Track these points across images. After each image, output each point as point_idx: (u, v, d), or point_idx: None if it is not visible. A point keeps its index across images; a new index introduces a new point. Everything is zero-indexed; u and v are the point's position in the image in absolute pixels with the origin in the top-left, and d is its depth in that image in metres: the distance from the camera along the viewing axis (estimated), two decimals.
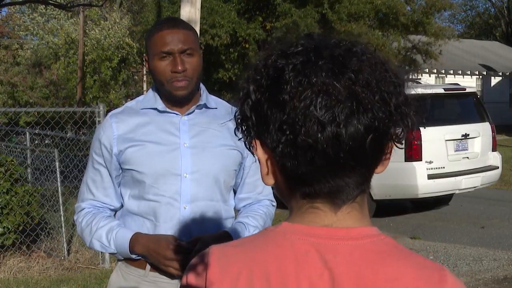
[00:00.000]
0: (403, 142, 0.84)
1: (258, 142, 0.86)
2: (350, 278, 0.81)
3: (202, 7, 15.40)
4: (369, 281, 0.81)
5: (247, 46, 18.15)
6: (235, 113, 0.89)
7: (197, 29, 7.32)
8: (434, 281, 0.82)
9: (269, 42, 0.93)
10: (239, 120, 0.88)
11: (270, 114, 0.81)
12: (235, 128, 0.92)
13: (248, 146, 0.89)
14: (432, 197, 8.05)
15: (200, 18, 8.01)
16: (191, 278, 0.90)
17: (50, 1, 16.07)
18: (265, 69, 0.84)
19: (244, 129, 0.88)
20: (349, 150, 0.79)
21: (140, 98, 2.05)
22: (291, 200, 0.87)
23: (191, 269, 0.91)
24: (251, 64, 0.88)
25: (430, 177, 7.54)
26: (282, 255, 0.83)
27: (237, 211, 2.10)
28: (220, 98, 2.12)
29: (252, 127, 0.85)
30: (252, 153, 0.90)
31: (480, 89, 26.97)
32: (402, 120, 0.82)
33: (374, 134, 0.79)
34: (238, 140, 0.93)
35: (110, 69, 24.99)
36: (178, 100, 1.95)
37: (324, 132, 0.77)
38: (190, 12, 7.42)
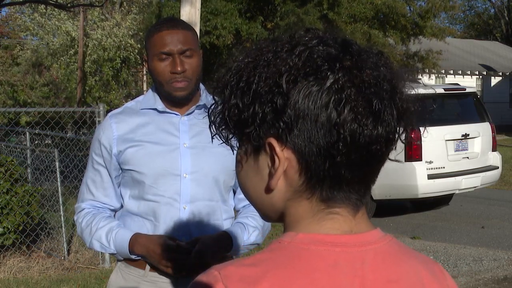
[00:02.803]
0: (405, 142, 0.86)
1: (274, 140, 0.78)
2: (381, 282, 0.81)
3: (205, 7, 15.39)
4: (396, 283, 0.82)
5: (248, 45, 18.13)
6: (234, 106, 0.80)
7: (197, 29, 7.32)
8: (437, 274, 0.89)
9: (265, 37, 0.87)
10: (248, 114, 0.79)
11: (309, 113, 0.76)
12: (211, 123, 0.85)
13: (236, 145, 0.84)
14: (432, 197, 8.05)
15: (203, 19, 8.01)
16: None
17: (50, 1, 16.07)
18: (293, 61, 0.77)
19: (253, 125, 0.79)
20: (388, 148, 0.81)
21: (140, 98, 2.05)
22: (301, 205, 0.82)
23: None
24: (256, 52, 0.82)
25: (430, 177, 7.54)
26: (312, 269, 0.79)
27: (236, 211, 2.10)
28: None
29: (283, 123, 0.77)
30: (245, 153, 0.85)
31: (480, 89, 26.95)
32: (410, 121, 0.85)
33: (400, 133, 0.83)
34: (214, 135, 0.86)
35: (112, 69, 24.99)
36: (177, 101, 1.95)
37: (376, 131, 0.78)
38: (190, 12, 7.41)
